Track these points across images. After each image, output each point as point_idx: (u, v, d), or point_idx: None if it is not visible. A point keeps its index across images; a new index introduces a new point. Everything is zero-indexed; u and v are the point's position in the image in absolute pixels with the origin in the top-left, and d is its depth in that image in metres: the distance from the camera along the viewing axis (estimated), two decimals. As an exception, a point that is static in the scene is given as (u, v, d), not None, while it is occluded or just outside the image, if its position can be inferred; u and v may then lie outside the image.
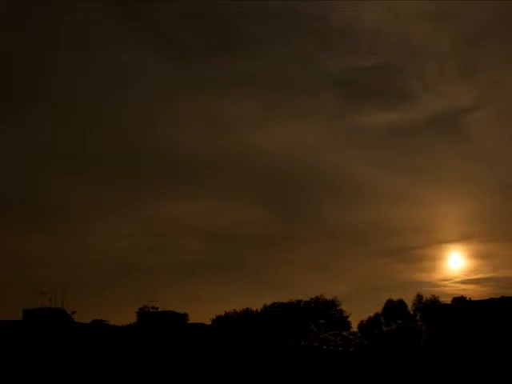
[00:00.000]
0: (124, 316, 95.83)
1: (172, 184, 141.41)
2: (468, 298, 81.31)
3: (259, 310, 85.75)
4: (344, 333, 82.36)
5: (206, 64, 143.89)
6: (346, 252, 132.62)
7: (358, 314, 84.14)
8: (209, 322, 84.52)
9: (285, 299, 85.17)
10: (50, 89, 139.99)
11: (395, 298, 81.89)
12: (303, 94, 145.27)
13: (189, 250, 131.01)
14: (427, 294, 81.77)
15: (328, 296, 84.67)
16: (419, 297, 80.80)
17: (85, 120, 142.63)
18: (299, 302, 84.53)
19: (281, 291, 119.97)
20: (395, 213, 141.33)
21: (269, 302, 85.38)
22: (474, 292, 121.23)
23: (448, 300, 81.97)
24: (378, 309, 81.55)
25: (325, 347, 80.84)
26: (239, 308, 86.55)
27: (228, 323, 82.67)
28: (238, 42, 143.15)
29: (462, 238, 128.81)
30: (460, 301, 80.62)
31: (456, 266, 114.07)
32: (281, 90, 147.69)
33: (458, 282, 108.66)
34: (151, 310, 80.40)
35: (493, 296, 79.43)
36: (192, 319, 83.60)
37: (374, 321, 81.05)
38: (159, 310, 79.83)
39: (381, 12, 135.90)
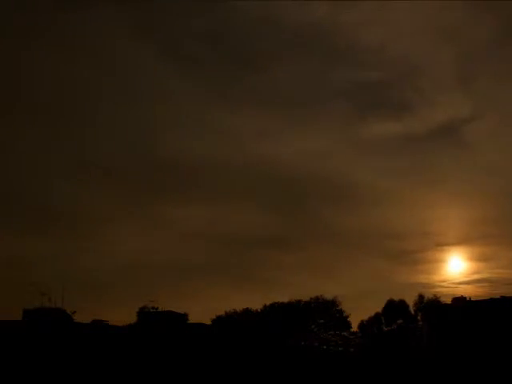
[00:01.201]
0: (124, 316, 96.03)
1: (180, 190, 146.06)
2: (468, 298, 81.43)
3: (259, 310, 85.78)
4: (344, 333, 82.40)
5: (221, 79, 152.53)
6: (347, 254, 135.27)
7: (358, 314, 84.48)
8: (209, 322, 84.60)
9: (285, 299, 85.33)
10: (64, 96, 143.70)
11: (395, 298, 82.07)
12: (312, 107, 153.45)
13: (192, 251, 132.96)
14: (429, 295, 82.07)
15: (328, 296, 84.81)
16: (421, 297, 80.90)
17: (99, 129, 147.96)
18: (299, 301, 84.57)
19: (281, 291, 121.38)
20: (396, 217, 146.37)
21: (269, 302, 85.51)
22: (473, 292, 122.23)
23: (448, 301, 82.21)
24: (379, 309, 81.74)
25: (325, 347, 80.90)
26: (239, 308, 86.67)
27: (228, 323, 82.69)
28: (250, 58, 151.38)
29: (462, 241, 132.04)
30: (460, 301, 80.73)
31: (455, 268, 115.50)
32: (291, 104, 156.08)
33: (457, 283, 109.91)
34: (151, 310, 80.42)
35: (492, 296, 79.74)
36: (192, 319, 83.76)
37: (374, 321, 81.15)
38: (159, 309, 79.89)
39: (384, 29, 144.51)
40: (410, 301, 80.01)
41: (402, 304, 79.95)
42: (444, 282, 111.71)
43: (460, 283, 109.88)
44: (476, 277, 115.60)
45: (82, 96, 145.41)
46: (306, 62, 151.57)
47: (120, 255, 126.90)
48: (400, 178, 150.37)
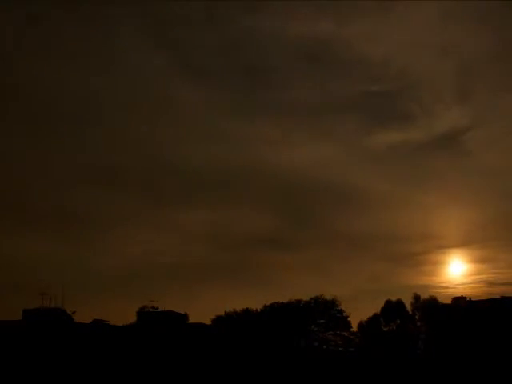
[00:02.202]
0: (124, 316, 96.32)
1: (188, 195, 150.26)
2: (468, 298, 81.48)
3: (259, 310, 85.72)
4: (344, 333, 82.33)
5: (233, 90, 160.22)
6: (350, 257, 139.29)
7: (358, 314, 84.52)
8: (209, 322, 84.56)
9: (285, 299, 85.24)
10: (80, 105, 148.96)
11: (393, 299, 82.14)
12: (320, 118, 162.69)
13: (193, 252, 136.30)
14: (426, 295, 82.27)
15: (328, 296, 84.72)
16: (416, 297, 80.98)
17: (111, 136, 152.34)
18: (299, 301, 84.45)
19: (281, 291, 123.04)
20: (399, 221, 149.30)
21: (269, 302, 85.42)
22: (473, 293, 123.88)
23: (448, 301, 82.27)
24: (379, 310, 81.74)
25: (325, 347, 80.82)
26: (239, 308, 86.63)
27: (228, 323, 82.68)
28: (262, 71, 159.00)
29: (463, 244, 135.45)
30: (460, 301, 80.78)
31: (456, 269, 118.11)
32: (299, 115, 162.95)
33: (458, 285, 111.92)
34: (151, 310, 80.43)
35: (492, 296, 79.92)
36: (192, 319, 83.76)
37: (373, 321, 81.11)
38: (159, 309, 79.88)
39: (386, 44, 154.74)
40: (407, 300, 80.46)
41: (400, 304, 79.95)
42: (445, 283, 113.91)
43: (460, 284, 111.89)
44: (476, 278, 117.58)
45: (97, 105, 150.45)
46: (313, 75, 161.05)
47: (125, 256, 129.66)
48: (402, 183, 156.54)
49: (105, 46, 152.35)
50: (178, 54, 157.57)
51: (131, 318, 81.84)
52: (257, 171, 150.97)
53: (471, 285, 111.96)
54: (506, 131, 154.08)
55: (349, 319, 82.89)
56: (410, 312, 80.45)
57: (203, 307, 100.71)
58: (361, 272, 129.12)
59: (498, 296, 78.82)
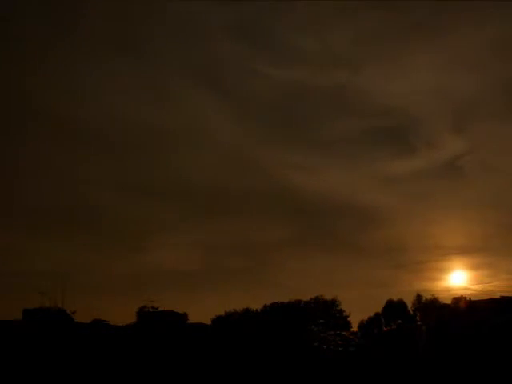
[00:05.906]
0: (124, 316, 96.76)
1: (214, 212, 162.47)
2: (468, 298, 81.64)
3: (259, 310, 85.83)
4: (344, 333, 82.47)
5: (268, 125, 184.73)
6: (355, 264, 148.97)
7: (359, 314, 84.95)
8: (209, 322, 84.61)
9: (285, 299, 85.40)
10: (122, 131, 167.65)
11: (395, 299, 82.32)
12: (339, 149, 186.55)
13: (201, 258, 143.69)
14: (427, 295, 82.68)
15: (328, 296, 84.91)
16: (419, 297, 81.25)
17: (160, 163, 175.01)
18: (299, 301, 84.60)
19: (281, 291, 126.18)
20: (405, 232, 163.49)
21: (269, 302, 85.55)
22: (473, 294, 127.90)
23: (448, 302, 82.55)
24: (379, 310, 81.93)
25: (325, 347, 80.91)
26: (239, 308, 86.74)
27: (228, 323, 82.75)
28: (293, 111, 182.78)
29: (463, 252, 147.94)
30: (460, 301, 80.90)
31: (457, 275, 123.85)
32: (325, 147, 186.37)
33: (458, 289, 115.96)
34: (151, 310, 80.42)
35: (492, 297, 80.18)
36: (192, 319, 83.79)
37: (373, 321, 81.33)
38: (159, 309, 79.87)
39: (391, 88, 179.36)
40: (410, 302, 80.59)
41: (401, 304, 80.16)
42: (446, 287, 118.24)
43: (461, 289, 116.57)
44: (476, 283, 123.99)
45: (145, 133, 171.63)
46: (333, 114, 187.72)
47: (131, 260, 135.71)
48: (409, 202, 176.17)
49: (157, 83, 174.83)
50: (222, 93, 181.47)
51: (131, 318, 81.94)
52: (283, 192, 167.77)
53: (471, 287, 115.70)
54: (497, 156, 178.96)
55: (349, 319, 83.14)
56: (411, 312, 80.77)
57: (203, 307, 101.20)
58: (366, 278, 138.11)
59: (497, 296, 79.11)
